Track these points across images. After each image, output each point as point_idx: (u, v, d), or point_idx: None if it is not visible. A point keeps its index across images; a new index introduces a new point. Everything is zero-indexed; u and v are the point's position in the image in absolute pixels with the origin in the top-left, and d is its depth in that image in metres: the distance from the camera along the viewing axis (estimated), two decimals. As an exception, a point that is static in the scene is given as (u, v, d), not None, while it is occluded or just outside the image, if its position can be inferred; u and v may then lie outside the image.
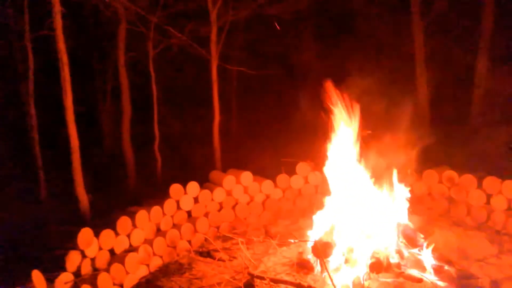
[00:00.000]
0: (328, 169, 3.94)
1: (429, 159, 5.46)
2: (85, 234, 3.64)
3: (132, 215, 4.22)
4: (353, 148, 3.90)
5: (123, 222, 4.08)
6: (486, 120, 7.08)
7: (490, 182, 4.66)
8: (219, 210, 5.11)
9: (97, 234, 3.81)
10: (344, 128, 3.87)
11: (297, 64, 8.67)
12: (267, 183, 5.43)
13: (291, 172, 5.46)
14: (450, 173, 4.99)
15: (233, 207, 5.23)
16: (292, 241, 4.03)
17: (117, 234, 4.01)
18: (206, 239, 4.80)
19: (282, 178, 5.47)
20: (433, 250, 3.62)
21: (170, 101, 7.76)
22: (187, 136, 7.70)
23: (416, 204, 5.06)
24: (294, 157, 5.45)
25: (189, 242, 4.73)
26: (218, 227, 5.03)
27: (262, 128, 8.04)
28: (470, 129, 7.16)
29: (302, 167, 5.44)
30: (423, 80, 7.43)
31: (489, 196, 4.68)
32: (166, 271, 4.24)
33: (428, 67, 7.42)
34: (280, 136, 7.10)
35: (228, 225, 5.11)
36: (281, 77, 8.48)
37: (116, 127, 6.41)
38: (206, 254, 4.50)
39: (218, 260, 4.29)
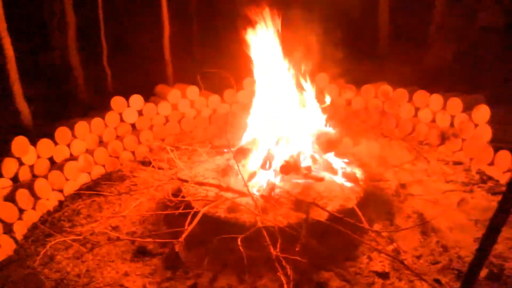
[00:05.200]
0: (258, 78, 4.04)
1: (379, 74, 5.63)
2: (19, 142, 3.76)
3: (73, 126, 4.35)
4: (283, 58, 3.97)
5: (62, 132, 4.21)
6: (440, 41, 7.20)
7: (419, 95, 4.85)
8: (165, 124, 5.27)
9: (36, 144, 3.95)
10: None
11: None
12: (214, 97, 5.55)
13: (239, 87, 5.55)
14: (385, 87, 5.16)
15: (179, 121, 5.39)
16: (225, 150, 4.28)
17: (56, 143, 4.15)
18: (150, 150, 5.02)
19: (229, 92, 5.57)
20: (352, 157, 3.92)
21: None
22: (145, 48, 7.40)
23: (352, 118, 5.35)
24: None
25: (133, 153, 4.94)
26: (163, 140, 5.21)
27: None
28: (425, 48, 7.30)
29: (249, 82, 5.52)
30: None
31: (417, 109, 4.91)
32: (108, 178, 4.48)
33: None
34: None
35: (174, 138, 5.30)
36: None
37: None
38: (148, 163, 4.73)
39: (159, 168, 4.56)
